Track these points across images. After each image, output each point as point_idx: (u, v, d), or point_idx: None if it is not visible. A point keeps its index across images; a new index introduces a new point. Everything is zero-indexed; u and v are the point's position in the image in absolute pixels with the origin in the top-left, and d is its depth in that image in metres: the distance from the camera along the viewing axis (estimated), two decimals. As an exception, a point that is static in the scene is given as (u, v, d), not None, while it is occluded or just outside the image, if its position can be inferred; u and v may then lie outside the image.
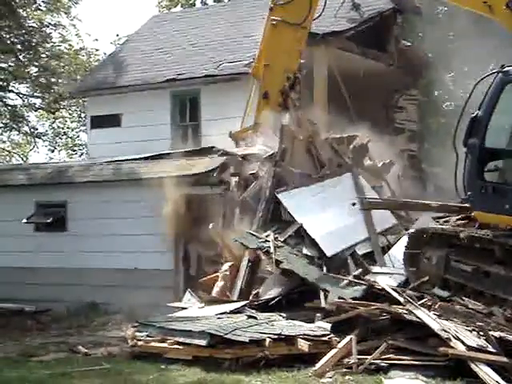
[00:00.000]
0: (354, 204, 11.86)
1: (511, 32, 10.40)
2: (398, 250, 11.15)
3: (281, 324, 9.60)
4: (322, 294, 10.13)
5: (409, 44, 20.02)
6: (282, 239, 11.33)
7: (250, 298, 11.11)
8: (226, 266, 12.23)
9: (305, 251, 11.11)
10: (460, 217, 10.68)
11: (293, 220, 11.77)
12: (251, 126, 14.01)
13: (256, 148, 13.39)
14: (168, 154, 17.59)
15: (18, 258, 17.98)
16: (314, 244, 11.33)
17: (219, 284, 12.04)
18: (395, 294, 9.43)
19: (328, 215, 11.91)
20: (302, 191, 12.33)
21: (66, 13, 29.41)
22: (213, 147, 16.68)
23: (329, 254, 11.20)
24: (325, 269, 10.92)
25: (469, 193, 9.38)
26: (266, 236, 11.35)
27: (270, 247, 11.00)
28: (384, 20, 18.98)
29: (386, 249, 11.86)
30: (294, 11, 13.90)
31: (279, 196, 12.11)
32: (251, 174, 13.09)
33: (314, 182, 12.59)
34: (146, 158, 17.74)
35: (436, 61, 19.12)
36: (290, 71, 13.64)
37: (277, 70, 13.59)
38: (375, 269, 11.20)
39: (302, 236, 11.50)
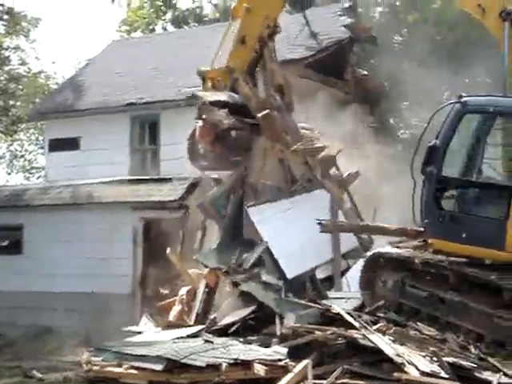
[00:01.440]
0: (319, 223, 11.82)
1: (497, 39, 10.63)
2: (356, 274, 11.27)
3: (237, 349, 9.62)
4: (277, 319, 10.20)
5: (365, 73, 20.35)
6: (248, 265, 11.23)
7: (207, 322, 11.13)
8: (183, 291, 12.23)
9: (264, 278, 11.08)
10: (417, 241, 10.82)
11: (258, 239, 11.58)
12: (222, 67, 13.19)
13: (224, 95, 12.70)
14: (129, 180, 17.65)
15: (-28, 281, 17.75)
16: (276, 264, 11.31)
17: (176, 308, 12.04)
18: (350, 319, 9.53)
19: (295, 233, 11.70)
20: (272, 206, 12.04)
21: (25, 36, 29.31)
22: (170, 179, 16.89)
23: (289, 276, 11.22)
24: (283, 293, 10.95)
25: (425, 220, 9.51)
26: (229, 258, 11.36)
27: (229, 268, 11.04)
28: (341, 48, 19.30)
29: (344, 272, 11.98)
30: None
31: (249, 211, 11.80)
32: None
33: (285, 197, 12.33)
34: (104, 182, 17.73)
35: (392, 89, 19.46)
36: (271, 19, 13.15)
37: (258, 15, 13.12)
38: (332, 293, 11.30)
39: (262, 258, 11.43)
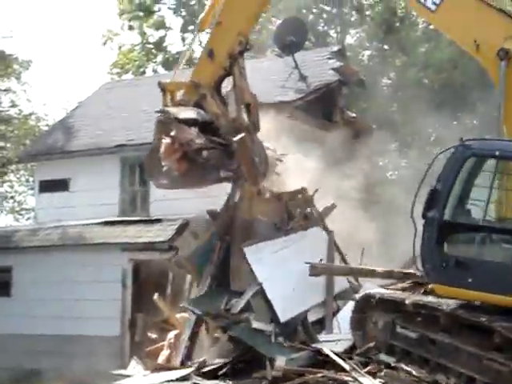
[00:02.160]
0: (318, 261, 11.71)
1: (492, 77, 10.39)
2: (346, 315, 11.23)
3: (227, 392, 9.55)
4: (268, 362, 10.13)
5: (354, 115, 20.56)
6: (236, 310, 11.04)
7: (197, 365, 11.04)
8: (171, 335, 12.13)
9: (254, 325, 10.90)
10: (407, 283, 10.81)
11: (248, 285, 11.38)
12: (186, 81, 12.47)
13: (192, 111, 11.94)
14: (118, 221, 17.63)
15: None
16: (269, 307, 11.14)
17: (165, 353, 11.93)
18: (340, 361, 9.50)
19: (288, 274, 11.43)
20: (268, 245, 11.56)
21: (16, 78, 29.50)
22: (160, 220, 16.84)
23: (283, 319, 11.09)
24: (273, 337, 10.84)
25: (426, 265, 9.38)
26: (217, 304, 11.22)
27: (218, 314, 10.93)
28: (330, 91, 19.52)
29: (334, 313, 11.94)
30: None
31: (246, 250, 11.28)
32: None
33: (281, 235, 11.89)
34: (94, 224, 17.71)
35: (380, 131, 19.67)
36: (243, 35, 12.34)
37: (231, 30, 12.28)
38: (323, 336, 11.25)
39: (250, 304, 11.28)
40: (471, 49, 10.00)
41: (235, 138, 11.56)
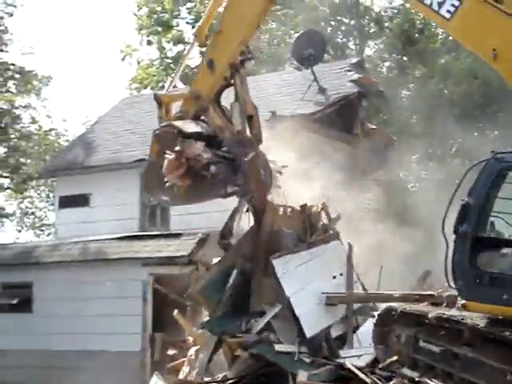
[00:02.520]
0: (334, 277, 11.57)
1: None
2: (366, 331, 11.13)
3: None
4: (290, 377, 10.04)
5: (374, 127, 20.50)
6: (257, 329, 10.86)
7: (218, 379, 10.97)
8: (192, 351, 12.06)
9: (277, 348, 10.67)
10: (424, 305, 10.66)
11: (274, 298, 11.18)
12: (183, 93, 11.98)
13: (196, 125, 11.34)
14: (138, 235, 17.63)
15: (-18, 341, 17.64)
16: (296, 322, 10.98)
17: (185, 369, 11.85)
18: (363, 376, 9.40)
19: (313, 289, 11.39)
20: (294, 257, 11.28)
21: (36, 94, 29.77)
22: (180, 234, 16.75)
23: (308, 335, 10.95)
24: (297, 354, 10.63)
25: (459, 282, 9.22)
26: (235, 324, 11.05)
27: (237, 332, 10.80)
28: (349, 103, 19.48)
29: (355, 329, 11.83)
30: None
31: (274, 263, 10.95)
32: None
33: (304, 248, 11.61)
34: (114, 239, 17.73)
35: (400, 143, 19.59)
36: (245, 43, 11.66)
37: (232, 39, 11.52)
38: (345, 351, 11.13)
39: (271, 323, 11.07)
40: (489, 58, 9.73)
41: (246, 158, 11.06)
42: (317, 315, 11.13)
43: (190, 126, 11.25)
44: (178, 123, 11.26)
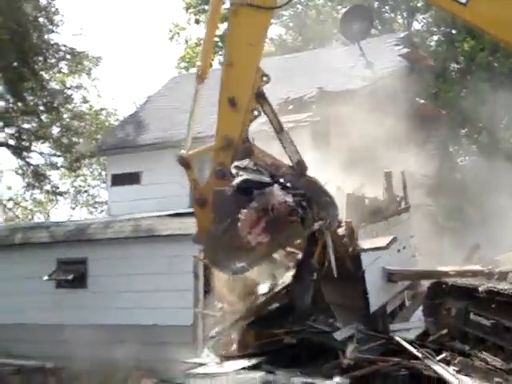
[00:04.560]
0: (398, 250, 11.53)
1: None
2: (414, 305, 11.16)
3: (299, 381, 9.59)
4: (340, 351, 10.12)
5: (423, 101, 20.30)
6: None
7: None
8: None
9: (338, 337, 10.49)
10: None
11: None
12: (209, 145, 10.30)
13: (259, 173, 9.96)
14: (189, 213, 17.83)
15: (39, 315, 18.12)
16: (364, 297, 10.93)
17: (236, 342, 11.99)
18: (412, 349, 9.44)
19: (380, 263, 11.41)
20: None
21: (87, 74, 30.20)
22: None
23: (372, 309, 10.98)
24: (356, 332, 10.61)
25: None
26: None
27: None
28: (398, 78, 19.30)
29: (403, 304, 11.87)
30: None
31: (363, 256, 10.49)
32: None
33: (380, 218, 11.37)
34: (165, 216, 17.99)
35: (450, 117, 19.40)
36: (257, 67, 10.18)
37: (248, 67, 10.17)
38: (395, 325, 11.18)
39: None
40: None
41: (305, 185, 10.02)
42: (380, 291, 11.12)
43: (260, 176, 9.92)
44: (250, 177, 9.82)
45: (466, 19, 9.82)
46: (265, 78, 10.09)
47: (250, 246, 9.90)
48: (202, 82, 10.57)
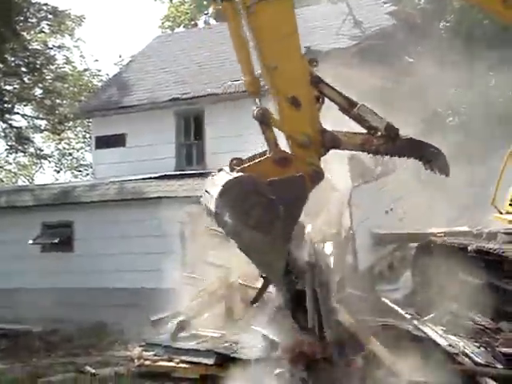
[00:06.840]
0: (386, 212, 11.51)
1: None
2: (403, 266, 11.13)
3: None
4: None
5: (411, 60, 20.07)
6: None
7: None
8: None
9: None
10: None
11: None
12: (295, 152, 8.67)
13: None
14: (175, 175, 17.69)
15: (25, 279, 18.02)
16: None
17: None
18: (401, 311, 9.41)
19: (368, 223, 11.58)
20: None
21: (69, 34, 29.72)
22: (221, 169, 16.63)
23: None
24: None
25: None
26: None
27: None
28: (386, 36, 19.07)
29: (392, 265, 11.84)
30: None
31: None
32: None
33: (371, 180, 11.46)
34: (151, 178, 17.83)
35: (438, 76, 19.17)
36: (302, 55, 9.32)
37: (293, 61, 9.11)
38: (383, 285, 11.16)
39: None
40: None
41: None
42: (368, 251, 11.13)
43: None
44: None
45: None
46: (314, 63, 9.15)
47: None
48: (257, 94, 9.01)
